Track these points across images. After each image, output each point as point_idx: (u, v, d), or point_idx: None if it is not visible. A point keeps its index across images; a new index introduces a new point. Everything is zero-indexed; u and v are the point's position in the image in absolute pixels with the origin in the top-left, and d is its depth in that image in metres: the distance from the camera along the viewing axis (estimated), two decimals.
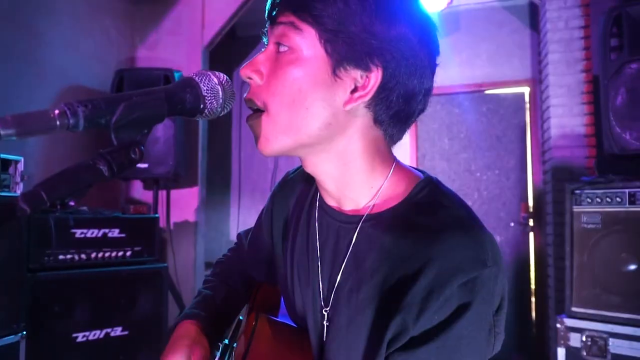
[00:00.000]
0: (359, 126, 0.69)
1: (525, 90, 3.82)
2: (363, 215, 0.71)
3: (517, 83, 3.82)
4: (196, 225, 3.78)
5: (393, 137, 0.72)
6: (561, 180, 2.90)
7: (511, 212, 3.81)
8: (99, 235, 2.73)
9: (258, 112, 0.69)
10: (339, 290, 0.71)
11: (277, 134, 0.67)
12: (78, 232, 2.66)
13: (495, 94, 3.90)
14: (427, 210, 0.68)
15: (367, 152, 0.71)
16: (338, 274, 0.72)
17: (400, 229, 0.67)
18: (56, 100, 3.25)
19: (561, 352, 2.14)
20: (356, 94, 0.66)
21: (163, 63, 3.79)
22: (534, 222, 3.73)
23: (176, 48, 3.90)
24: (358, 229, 0.71)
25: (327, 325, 0.72)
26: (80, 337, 2.57)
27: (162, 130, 3.32)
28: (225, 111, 0.63)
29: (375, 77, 0.65)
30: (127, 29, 3.94)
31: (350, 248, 0.71)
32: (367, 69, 0.65)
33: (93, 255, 2.69)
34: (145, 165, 3.30)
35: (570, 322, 2.13)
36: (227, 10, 3.82)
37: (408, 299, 0.62)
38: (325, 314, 0.73)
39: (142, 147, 0.49)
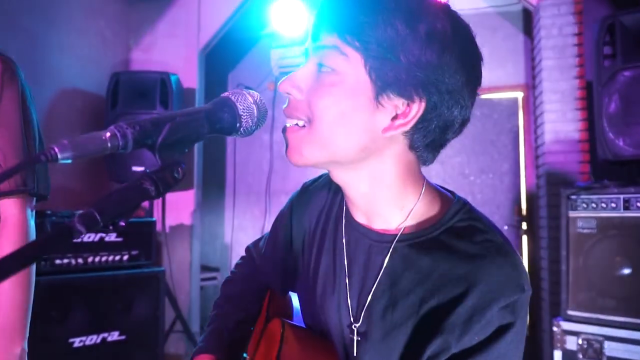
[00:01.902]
0: (395, 151, 0.70)
1: (519, 95, 3.87)
2: (396, 235, 0.73)
3: (510, 88, 3.87)
4: (192, 228, 3.77)
5: (426, 162, 0.74)
6: (555, 184, 2.95)
7: (505, 215, 3.86)
8: (96, 239, 2.71)
9: (296, 125, 0.70)
10: (371, 307, 0.72)
11: (313, 149, 0.68)
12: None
13: (489, 99, 3.95)
14: (466, 235, 0.69)
15: (400, 174, 0.72)
16: (370, 291, 0.73)
17: (439, 252, 0.69)
18: (52, 103, 3.22)
19: (557, 354, 2.17)
20: (396, 122, 0.67)
21: (158, 65, 3.78)
22: (527, 225, 3.78)
23: (172, 50, 3.89)
24: (392, 248, 0.72)
25: (357, 340, 0.73)
26: (77, 342, 2.56)
27: None
28: (258, 129, 0.64)
29: (418, 107, 0.66)
30: (122, 30, 3.92)
31: (384, 266, 0.72)
32: (410, 98, 0.65)
33: (90, 259, 2.68)
34: (141, 168, 3.29)
35: (566, 325, 2.17)
36: (223, 13, 3.83)
37: (450, 320, 0.65)
38: (355, 329, 0.74)
39: (184, 166, 0.50)
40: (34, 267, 1.11)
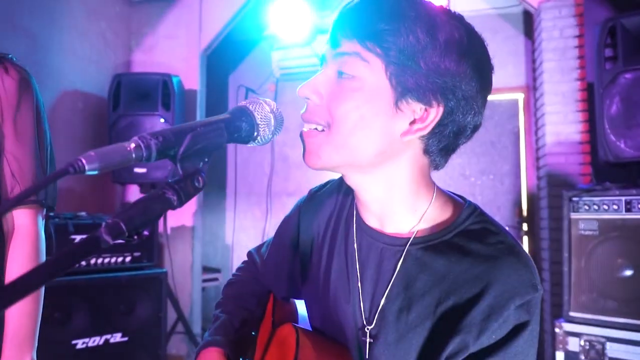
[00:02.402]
0: (410, 154, 0.72)
1: (519, 96, 3.89)
2: (408, 238, 0.74)
3: (511, 89, 3.88)
4: (193, 229, 3.78)
5: (438, 166, 0.75)
6: (556, 186, 2.96)
7: (505, 216, 3.87)
8: None
9: (315, 130, 0.71)
10: (385, 309, 0.74)
11: (332, 153, 0.69)
12: (77, 238, 2.65)
13: (490, 100, 3.90)
14: (479, 237, 0.71)
15: (414, 177, 0.74)
16: (383, 294, 0.74)
17: (454, 254, 0.71)
18: (54, 105, 3.23)
19: (560, 356, 2.18)
20: (414, 127, 0.69)
21: (159, 67, 3.78)
22: (527, 226, 3.79)
23: (173, 52, 3.89)
24: (405, 251, 0.73)
25: (370, 342, 0.74)
26: (80, 343, 2.57)
27: None
28: (274, 137, 0.65)
29: (435, 112, 0.68)
30: (124, 32, 3.92)
31: (398, 269, 0.73)
32: (428, 104, 0.67)
33: (93, 261, 2.68)
34: (143, 170, 3.30)
35: (568, 326, 2.18)
36: (224, 14, 3.83)
37: (467, 320, 0.66)
38: (368, 331, 0.75)
39: (204, 174, 0.51)
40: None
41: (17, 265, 1.05)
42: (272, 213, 4.36)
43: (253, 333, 0.98)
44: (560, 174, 2.98)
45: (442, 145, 0.71)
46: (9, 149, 1.07)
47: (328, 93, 0.69)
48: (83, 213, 2.85)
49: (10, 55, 1.14)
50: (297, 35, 3.91)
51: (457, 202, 0.77)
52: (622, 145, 2.36)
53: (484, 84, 0.71)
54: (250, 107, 0.61)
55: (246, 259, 1.10)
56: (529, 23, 3.72)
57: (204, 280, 4.03)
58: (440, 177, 3.98)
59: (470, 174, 3.96)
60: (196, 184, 0.49)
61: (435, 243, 0.72)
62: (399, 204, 0.74)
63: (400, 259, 0.73)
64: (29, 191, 0.38)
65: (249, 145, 0.63)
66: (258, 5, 3.90)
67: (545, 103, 3.05)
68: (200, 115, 3.86)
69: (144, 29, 3.96)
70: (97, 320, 2.64)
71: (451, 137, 0.71)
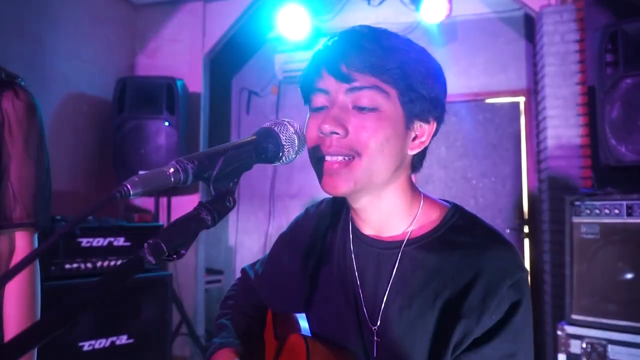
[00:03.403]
0: (406, 165, 0.81)
1: (521, 99, 3.91)
2: (402, 241, 0.80)
3: (512, 93, 3.91)
4: None
5: (415, 169, 0.84)
6: (557, 189, 2.99)
7: (507, 218, 3.90)
8: (105, 244, 2.75)
9: (344, 160, 0.75)
10: (387, 309, 0.79)
11: (361, 178, 0.75)
12: (84, 241, 2.68)
13: (491, 103, 3.99)
14: (465, 231, 0.79)
15: (407, 186, 0.83)
16: (384, 295, 0.79)
17: (445, 249, 0.78)
18: (59, 108, 3.25)
19: (562, 358, 2.22)
20: (417, 141, 0.80)
21: (163, 70, 3.80)
22: (529, 228, 3.82)
23: (177, 55, 3.92)
24: (400, 252, 0.80)
25: (377, 342, 0.79)
26: (86, 346, 2.59)
27: (165, 138, 3.35)
28: (297, 157, 0.68)
29: (431, 127, 0.80)
30: (128, 35, 3.95)
31: (395, 270, 0.79)
32: (427, 121, 0.79)
33: (99, 264, 2.71)
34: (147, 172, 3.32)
35: (570, 329, 2.22)
36: (228, 18, 3.86)
37: (466, 305, 0.72)
38: (374, 331, 0.79)
39: (234, 195, 0.54)
40: (38, 288, 1.11)
41: (14, 286, 1.06)
42: (274, 215, 4.39)
43: (257, 339, 1.01)
44: (562, 177, 3.01)
45: (424, 152, 0.83)
46: (14, 169, 1.09)
47: (353, 126, 0.74)
48: (89, 216, 2.87)
49: (19, 79, 1.16)
50: (299, 39, 3.94)
51: (441, 203, 0.86)
52: (623, 150, 2.39)
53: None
54: (276, 129, 0.65)
55: (240, 275, 1.14)
56: (530, 27, 3.75)
57: (207, 282, 4.05)
58: (442, 180, 4.01)
59: (471, 176, 3.99)
60: (227, 204, 0.52)
61: (428, 241, 0.79)
62: (396, 214, 0.82)
63: (396, 260, 0.80)
64: (76, 222, 0.41)
65: (273, 164, 0.65)
66: (261, 9, 3.93)
67: (546, 107, 3.08)
68: (203, 118, 3.88)
69: (147, 32, 3.99)
70: (103, 322, 2.66)
71: (429, 142, 0.82)
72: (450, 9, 3.50)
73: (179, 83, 3.39)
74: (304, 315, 0.93)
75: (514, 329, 0.72)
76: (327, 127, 0.73)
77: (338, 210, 0.93)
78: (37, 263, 1.12)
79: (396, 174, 0.79)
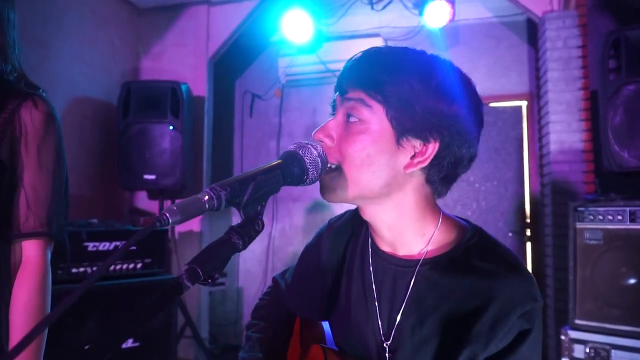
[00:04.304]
0: (413, 184, 0.80)
1: (523, 103, 3.94)
2: (418, 260, 0.81)
3: (514, 97, 3.93)
4: (200, 234, 3.82)
5: (440, 194, 0.84)
6: (560, 194, 3.01)
7: (509, 222, 3.92)
8: (111, 248, 2.76)
9: (329, 168, 0.78)
10: (400, 326, 0.81)
11: (344, 188, 0.77)
12: (90, 245, 2.69)
13: (494, 107, 4.01)
14: (482, 255, 0.79)
15: (419, 205, 0.82)
16: (398, 312, 0.81)
17: (460, 272, 0.78)
18: (64, 112, 3.27)
19: None
20: (415, 160, 0.77)
21: (167, 74, 3.83)
22: (531, 232, 3.84)
23: (181, 59, 3.94)
24: (416, 272, 0.81)
25: (389, 357, 0.81)
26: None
27: (170, 142, 3.36)
28: (319, 178, 0.70)
29: (433, 147, 0.77)
30: (132, 39, 3.97)
31: (410, 289, 0.81)
32: (426, 140, 0.76)
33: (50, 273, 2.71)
34: (152, 177, 3.34)
35: (574, 334, 2.24)
36: (232, 22, 3.88)
37: (475, 330, 0.73)
38: (387, 347, 0.81)
39: (262, 217, 0.56)
40: (48, 299, 1.11)
41: (23, 296, 1.06)
42: (277, 218, 4.41)
43: (283, 351, 1.03)
44: (564, 182, 3.03)
45: (442, 175, 0.80)
46: (28, 179, 1.09)
47: (338, 135, 0.78)
48: (94, 220, 2.89)
49: (40, 90, 1.17)
50: (303, 43, 3.96)
51: (461, 224, 0.85)
52: (626, 155, 2.41)
53: (476, 119, 0.80)
54: (300, 152, 0.67)
55: (271, 284, 1.17)
56: (532, 31, 3.77)
57: (211, 285, 4.07)
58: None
59: (474, 180, 4.01)
60: (256, 227, 0.55)
61: (443, 263, 0.80)
62: (407, 230, 0.82)
63: (411, 279, 0.81)
64: (116, 256, 0.42)
65: (298, 186, 0.68)
66: (264, 12, 3.94)
67: (549, 112, 3.10)
68: (207, 122, 3.90)
69: (152, 36, 4.01)
70: (109, 325, 2.68)
71: (450, 167, 0.79)
72: (454, 14, 3.52)
73: (183, 87, 3.41)
74: (328, 324, 0.95)
75: (520, 357, 0.73)
76: (318, 135, 0.78)
77: (359, 224, 0.94)
78: (49, 274, 1.11)
79: (392, 190, 0.79)
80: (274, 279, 1.15)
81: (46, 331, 1.10)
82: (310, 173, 0.69)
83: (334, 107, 0.83)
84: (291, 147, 0.70)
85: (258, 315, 1.08)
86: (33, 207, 1.08)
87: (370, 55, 0.79)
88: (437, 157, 0.77)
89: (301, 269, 1.05)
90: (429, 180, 0.80)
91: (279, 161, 0.64)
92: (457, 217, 0.88)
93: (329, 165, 0.77)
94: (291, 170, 0.65)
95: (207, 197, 0.50)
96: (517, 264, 0.78)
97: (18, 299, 1.06)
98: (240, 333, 4.50)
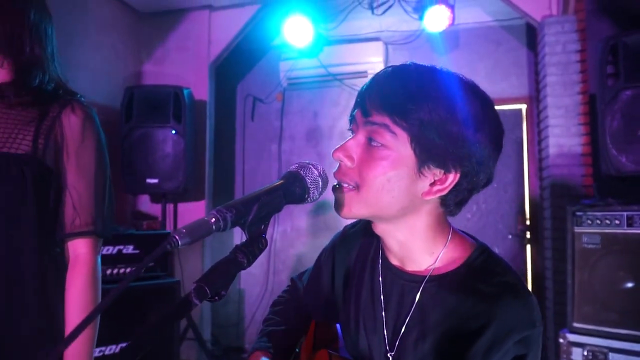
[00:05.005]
0: (429, 208, 0.82)
1: (523, 106, 3.96)
2: (425, 276, 0.84)
3: (514, 100, 3.96)
4: (202, 239, 3.85)
5: (453, 214, 0.85)
6: (559, 197, 3.04)
7: (509, 224, 3.95)
8: (114, 252, 2.80)
9: (347, 186, 0.80)
10: (404, 338, 0.83)
11: (361, 208, 0.79)
12: None
13: None
14: (485, 277, 0.80)
15: (431, 225, 0.84)
16: (403, 325, 0.84)
17: (463, 292, 0.80)
18: None
19: None
20: (435, 188, 0.78)
21: (169, 78, 3.86)
22: (531, 234, 3.86)
23: (183, 63, 3.97)
24: (422, 288, 0.83)
25: None
26: (97, 352, 2.63)
27: (172, 147, 3.40)
28: (320, 196, 0.73)
29: (453, 177, 0.77)
30: (134, 44, 4.00)
31: (415, 303, 0.83)
32: (447, 169, 0.76)
33: (108, 272, 2.76)
34: (155, 181, 3.37)
35: (572, 337, 2.27)
36: (233, 26, 3.91)
37: (472, 351, 0.75)
38: (390, 357, 0.85)
39: (265, 236, 0.59)
40: (99, 296, 1.17)
41: (74, 292, 1.13)
42: (279, 221, 4.44)
43: (297, 350, 1.07)
44: (563, 186, 3.06)
45: (458, 199, 0.81)
46: (72, 182, 1.16)
47: (359, 157, 0.78)
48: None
49: (79, 95, 1.23)
50: (304, 46, 3.99)
51: (468, 242, 0.87)
52: (624, 160, 2.43)
53: (497, 147, 0.80)
54: (302, 172, 0.70)
55: (289, 284, 1.21)
56: (531, 35, 3.80)
57: None
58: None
59: None
60: (260, 246, 0.58)
61: (448, 281, 0.82)
62: (417, 248, 0.84)
63: (417, 294, 0.83)
64: (133, 274, 0.46)
65: (300, 204, 0.71)
66: (266, 17, 3.98)
67: (548, 116, 3.12)
68: (209, 126, 3.93)
69: (154, 41, 4.04)
70: (113, 329, 2.71)
71: (466, 193, 0.80)
72: (453, 18, 3.55)
73: (185, 92, 3.44)
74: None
75: None
76: (337, 155, 0.79)
77: (372, 234, 0.95)
78: (98, 270, 1.18)
79: (408, 212, 0.80)
80: (292, 280, 1.19)
81: (97, 325, 1.18)
82: (311, 192, 0.71)
83: (352, 121, 0.83)
84: (293, 167, 0.72)
85: (275, 311, 1.12)
86: (78, 208, 1.16)
87: (397, 76, 0.78)
88: (456, 186, 0.77)
89: (316, 273, 1.09)
90: (443, 204, 0.81)
91: (281, 181, 0.67)
92: (465, 233, 0.89)
93: (346, 184, 0.79)
94: (293, 190, 0.68)
95: (214, 219, 0.53)
96: (518, 288, 0.79)
97: (70, 294, 1.13)
98: (242, 334, 4.54)
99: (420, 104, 0.73)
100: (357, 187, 0.78)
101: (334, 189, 0.82)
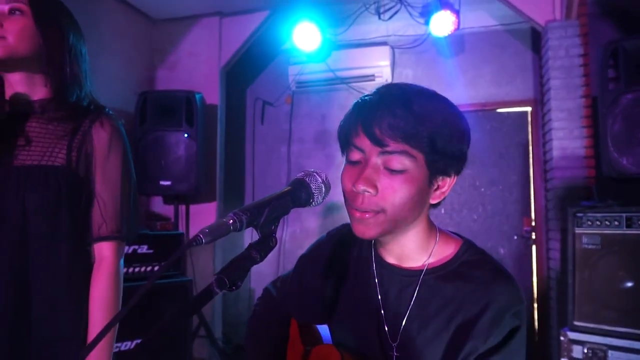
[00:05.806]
0: (426, 210, 0.94)
1: (528, 109, 4.02)
2: (421, 271, 0.94)
3: (519, 103, 4.01)
4: None
5: (434, 207, 0.96)
6: (563, 198, 3.09)
7: (514, 225, 4.00)
8: (129, 251, 2.90)
9: (372, 213, 0.87)
10: (406, 329, 0.93)
11: (385, 227, 0.88)
12: None
13: (499, 112, 4.09)
14: (476, 266, 0.92)
15: (426, 225, 0.96)
16: (404, 317, 0.93)
17: (459, 281, 0.91)
18: None
19: None
20: (438, 192, 0.91)
21: (182, 83, 3.97)
22: (536, 235, 3.92)
23: (194, 68, 4.08)
24: (420, 281, 0.93)
25: (396, 356, 0.93)
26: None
27: (185, 150, 3.50)
28: (323, 201, 0.82)
29: (452, 180, 0.91)
30: (147, 50, 4.12)
31: (415, 296, 0.93)
32: (449, 175, 0.90)
33: (124, 270, 2.86)
34: (168, 182, 3.48)
35: (572, 335, 2.33)
36: (243, 32, 4.01)
37: (476, 329, 0.86)
38: (394, 347, 0.93)
39: (275, 235, 0.68)
40: (120, 297, 1.26)
41: (97, 292, 1.23)
42: (288, 223, 4.53)
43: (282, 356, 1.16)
44: (567, 187, 3.11)
45: (444, 197, 0.93)
46: (99, 192, 1.27)
47: (382, 185, 0.85)
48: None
49: (106, 109, 1.34)
50: (312, 51, 4.08)
51: (454, 238, 0.99)
52: (624, 162, 2.49)
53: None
54: (307, 180, 0.79)
55: (263, 294, 1.28)
56: (536, 39, 3.85)
57: None
58: (452, 188, 4.11)
59: (480, 184, 4.10)
60: (270, 244, 0.67)
61: (443, 273, 0.93)
62: (416, 246, 0.95)
63: (416, 287, 0.93)
64: (157, 274, 0.54)
65: (305, 207, 0.80)
66: (275, 23, 4.07)
67: (552, 119, 3.18)
68: (220, 130, 4.04)
69: (166, 47, 4.15)
70: (128, 326, 2.81)
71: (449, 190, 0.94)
72: (459, 22, 3.62)
73: (197, 96, 3.55)
74: (325, 327, 1.07)
75: (511, 349, 0.86)
76: (360, 187, 0.85)
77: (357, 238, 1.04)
78: (120, 271, 1.28)
79: (417, 218, 0.92)
80: (265, 289, 1.26)
81: (117, 325, 1.25)
82: (315, 197, 0.80)
83: (354, 149, 0.88)
84: (299, 175, 0.81)
85: (252, 326, 1.22)
86: (105, 216, 1.27)
87: (398, 102, 0.84)
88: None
89: (301, 276, 1.16)
90: (435, 204, 0.93)
91: (289, 188, 0.77)
92: (448, 230, 1.01)
93: (371, 211, 0.85)
94: (299, 195, 0.77)
95: (232, 221, 0.62)
96: (505, 272, 0.92)
97: (94, 294, 1.23)
98: None
99: (427, 124, 0.83)
100: (383, 211, 0.86)
101: (359, 221, 0.88)
